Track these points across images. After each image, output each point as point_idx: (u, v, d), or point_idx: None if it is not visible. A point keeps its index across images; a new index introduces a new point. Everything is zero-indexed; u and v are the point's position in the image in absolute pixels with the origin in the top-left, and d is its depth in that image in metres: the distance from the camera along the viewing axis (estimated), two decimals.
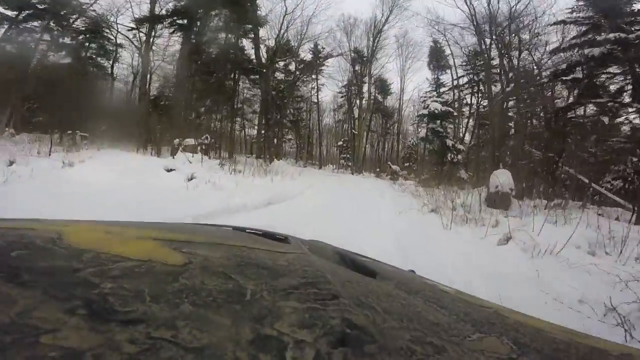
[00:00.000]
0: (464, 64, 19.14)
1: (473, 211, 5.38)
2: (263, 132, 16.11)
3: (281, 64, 18.37)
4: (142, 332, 0.22)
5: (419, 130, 22.67)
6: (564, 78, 9.76)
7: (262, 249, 0.50)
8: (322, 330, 0.25)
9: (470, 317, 0.39)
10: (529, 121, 12.22)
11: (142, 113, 10.96)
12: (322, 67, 21.57)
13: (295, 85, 19.26)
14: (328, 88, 23.54)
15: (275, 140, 14.91)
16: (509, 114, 13.23)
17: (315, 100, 23.60)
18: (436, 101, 16.81)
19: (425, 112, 16.52)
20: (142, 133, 9.19)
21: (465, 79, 19.44)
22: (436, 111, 16.04)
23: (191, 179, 5.54)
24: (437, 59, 20.81)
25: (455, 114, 17.22)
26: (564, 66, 9.69)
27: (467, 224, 4.77)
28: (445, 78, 20.70)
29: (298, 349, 0.23)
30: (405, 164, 20.58)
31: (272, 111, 15.43)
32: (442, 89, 20.90)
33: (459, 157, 16.05)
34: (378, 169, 21.75)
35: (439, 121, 15.97)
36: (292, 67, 19.09)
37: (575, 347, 0.37)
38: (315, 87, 22.96)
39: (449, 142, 16.15)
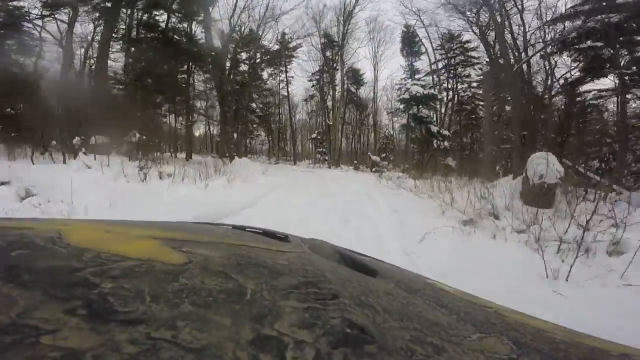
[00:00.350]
0: (439, 47, 17.86)
1: (516, 215, 3.56)
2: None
3: (244, 55, 16.11)
4: (142, 332, 0.22)
5: (395, 119, 21.30)
6: (578, 46, 8.49)
7: (262, 248, 0.49)
8: (322, 330, 0.25)
9: (471, 317, 0.39)
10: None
11: (55, 112, 8.53)
12: (291, 58, 19.58)
13: (258, 73, 16.99)
14: (298, 75, 21.42)
15: (235, 135, 12.66)
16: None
17: (286, 94, 21.52)
18: (416, 84, 15.21)
19: (406, 96, 14.86)
20: (41, 134, 6.79)
21: (441, 64, 18.13)
22: (418, 94, 14.43)
23: (25, 198, 3.37)
24: (410, 45, 19.29)
25: (439, 96, 15.72)
26: (573, 34, 8.40)
27: (557, 251, 2.67)
28: (420, 64, 19.30)
29: (298, 349, 0.23)
30: (382, 155, 19.07)
31: (231, 102, 13.17)
32: (417, 75, 19.46)
33: (445, 143, 14.57)
34: (356, 162, 20.07)
35: (416, 107, 14.46)
36: (257, 59, 16.82)
37: (576, 346, 0.37)
38: (285, 80, 20.89)
39: (434, 128, 14.63)
